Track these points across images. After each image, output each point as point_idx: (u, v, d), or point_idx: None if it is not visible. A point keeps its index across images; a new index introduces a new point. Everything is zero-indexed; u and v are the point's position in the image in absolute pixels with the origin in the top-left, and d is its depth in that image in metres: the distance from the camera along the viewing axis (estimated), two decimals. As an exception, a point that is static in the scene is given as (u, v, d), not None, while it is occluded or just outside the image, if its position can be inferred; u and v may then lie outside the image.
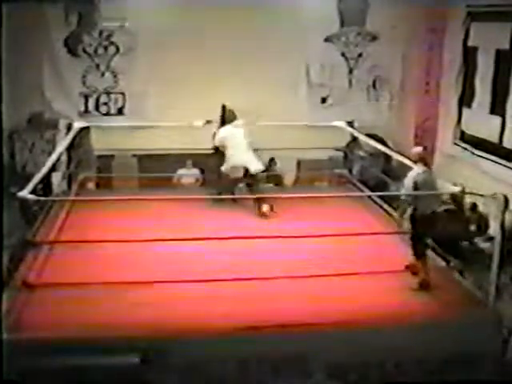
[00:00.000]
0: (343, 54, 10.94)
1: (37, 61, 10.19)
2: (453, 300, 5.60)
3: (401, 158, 7.09)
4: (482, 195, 6.34)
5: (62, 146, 7.69)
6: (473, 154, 9.57)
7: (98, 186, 10.04)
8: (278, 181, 10.35)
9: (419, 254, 5.84)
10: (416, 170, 5.82)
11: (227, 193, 7.75)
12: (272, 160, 10.39)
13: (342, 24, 10.78)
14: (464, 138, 9.95)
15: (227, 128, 7.90)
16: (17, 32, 9.25)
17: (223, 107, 8.10)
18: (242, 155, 7.75)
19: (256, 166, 7.78)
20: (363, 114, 10.43)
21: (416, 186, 5.70)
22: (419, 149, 6.08)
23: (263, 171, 8.16)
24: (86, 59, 10.46)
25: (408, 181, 5.78)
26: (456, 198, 8.04)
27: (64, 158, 8.66)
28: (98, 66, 10.51)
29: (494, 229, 6.14)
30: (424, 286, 5.71)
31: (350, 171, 9.53)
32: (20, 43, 9.46)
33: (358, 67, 11.00)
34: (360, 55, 10.95)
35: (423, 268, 5.82)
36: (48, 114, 10.39)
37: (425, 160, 5.96)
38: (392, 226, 7.39)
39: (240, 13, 9.91)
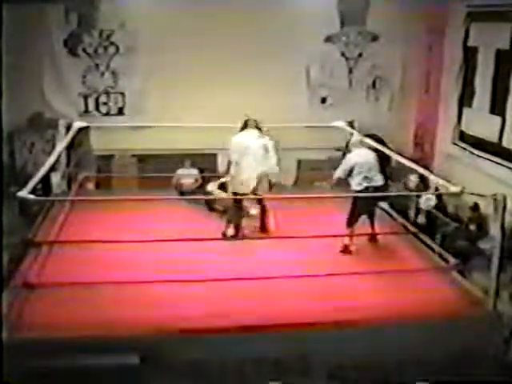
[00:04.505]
0: (343, 54, 10.94)
1: (37, 61, 10.18)
2: (453, 300, 5.61)
3: (400, 159, 7.09)
4: (482, 195, 6.35)
5: (61, 146, 7.70)
6: (472, 153, 9.57)
7: (97, 186, 10.04)
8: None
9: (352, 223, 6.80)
10: (354, 153, 6.99)
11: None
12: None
13: (342, 24, 10.78)
14: (464, 137, 9.95)
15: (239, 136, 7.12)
16: (17, 32, 9.24)
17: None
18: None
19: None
20: (363, 114, 10.40)
21: (353, 167, 6.81)
22: (358, 138, 7.33)
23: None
24: (85, 59, 10.44)
25: (346, 162, 6.94)
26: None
27: (64, 157, 8.65)
28: (97, 66, 10.50)
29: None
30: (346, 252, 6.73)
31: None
32: (20, 43, 9.45)
33: (358, 67, 10.99)
34: (360, 55, 10.94)
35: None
36: (48, 114, 10.38)
37: (361, 145, 7.16)
38: (391, 225, 7.41)
39: (240, 13, 9.90)
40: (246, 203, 7.27)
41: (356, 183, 6.81)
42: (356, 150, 7.07)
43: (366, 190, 6.73)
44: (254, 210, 7.43)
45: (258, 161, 6.96)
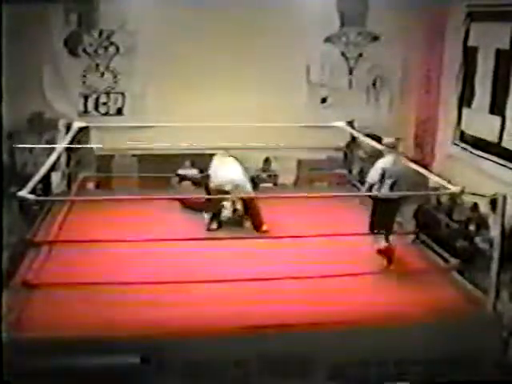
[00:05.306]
0: (343, 54, 10.94)
1: (37, 61, 10.18)
2: (453, 300, 5.61)
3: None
4: (482, 195, 6.34)
5: (61, 146, 7.70)
6: (472, 153, 9.57)
7: (97, 186, 10.04)
8: (274, 180, 10.40)
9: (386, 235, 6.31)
10: (385, 160, 6.37)
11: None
12: (267, 160, 10.41)
13: (342, 24, 10.78)
14: (464, 137, 9.95)
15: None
16: (17, 32, 9.24)
17: None
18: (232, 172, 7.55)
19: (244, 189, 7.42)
20: (363, 114, 10.42)
21: (383, 174, 6.24)
22: (391, 140, 6.65)
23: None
24: (85, 59, 10.45)
25: (376, 169, 6.32)
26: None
27: (64, 157, 8.65)
28: (97, 65, 10.51)
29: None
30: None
31: (350, 171, 9.54)
32: (20, 43, 9.45)
33: (358, 67, 10.99)
34: (360, 55, 10.94)
35: (390, 249, 6.29)
36: (48, 114, 10.39)
37: (394, 149, 6.52)
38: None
39: (240, 13, 9.90)
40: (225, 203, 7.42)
41: (377, 191, 6.33)
42: (389, 155, 6.44)
43: (384, 201, 6.28)
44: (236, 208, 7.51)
45: (235, 170, 7.55)
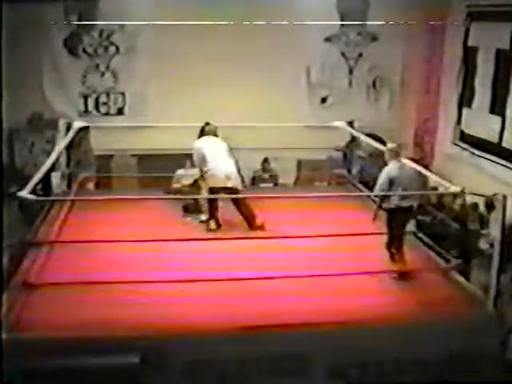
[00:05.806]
0: (343, 54, 10.95)
1: (37, 61, 10.19)
2: (453, 300, 5.61)
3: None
4: (482, 195, 6.34)
5: (61, 146, 7.70)
6: (472, 153, 9.58)
7: (97, 186, 10.04)
8: (274, 180, 10.41)
9: (396, 246, 6.10)
10: (391, 167, 6.08)
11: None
12: (266, 160, 10.41)
13: (343, 24, 10.79)
14: (464, 137, 9.96)
15: (202, 139, 7.43)
16: (17, 32, 9.25)
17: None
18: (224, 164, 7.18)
19: (234, 182, 7.19)
20: (363, 114, 10.41)
21: (391, 182, 5.97)
22: (394, 145, 6.27)
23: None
24: (86, 59, 10.46)
25: (384, 176, 6.02)
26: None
27: (63, 157, 8.65)
28: (97, 66, 10.52)
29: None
30: (403, 277, 5.92)
31: (350, 171, 9.54)
32: (20, 43, 9.46)
33: (358, 67, 11.01)
34: (360, 55, 10.96)
35: (401, 259, 6.08)
36: (48, 114, 10.39)
37: (399, 155, 6.20)
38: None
39: (240, 13, 9.91)
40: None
41: (388, 200, 6.07)
42: (395, 162, 6.14)
43: (397, 209, 6.02)
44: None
45: (224, 161, 7.22)
